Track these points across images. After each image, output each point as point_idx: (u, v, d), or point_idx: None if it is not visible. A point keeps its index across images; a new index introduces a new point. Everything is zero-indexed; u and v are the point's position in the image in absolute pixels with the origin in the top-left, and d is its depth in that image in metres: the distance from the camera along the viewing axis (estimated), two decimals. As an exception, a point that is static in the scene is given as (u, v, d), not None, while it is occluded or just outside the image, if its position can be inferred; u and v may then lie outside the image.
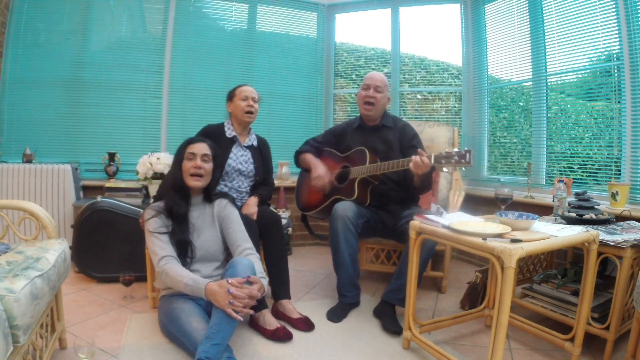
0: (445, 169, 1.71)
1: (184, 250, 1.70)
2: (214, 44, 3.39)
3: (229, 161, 2.14)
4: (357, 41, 3.73)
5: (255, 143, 2.28)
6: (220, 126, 2.24)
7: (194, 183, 1.74)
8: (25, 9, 2.95)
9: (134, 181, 2.84)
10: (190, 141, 1.79)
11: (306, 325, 1.86)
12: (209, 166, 1.77)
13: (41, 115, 3.02)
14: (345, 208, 2.02)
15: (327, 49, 3.67)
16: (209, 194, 1.84)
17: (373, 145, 2.18)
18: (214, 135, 2.15)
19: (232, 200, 1.91)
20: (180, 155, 1.77)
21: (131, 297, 2.18)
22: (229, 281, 1.46)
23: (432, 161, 1.72)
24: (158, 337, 1.71)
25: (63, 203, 2.79)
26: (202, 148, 1.76)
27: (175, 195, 1.74)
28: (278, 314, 1.93)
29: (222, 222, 1.81)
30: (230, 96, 2.24)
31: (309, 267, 2.92)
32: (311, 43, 3.65)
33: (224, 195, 1.91)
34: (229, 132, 2.21)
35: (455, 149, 1.64)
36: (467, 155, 1.59)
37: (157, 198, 1.85)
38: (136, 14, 3.26)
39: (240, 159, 2.19)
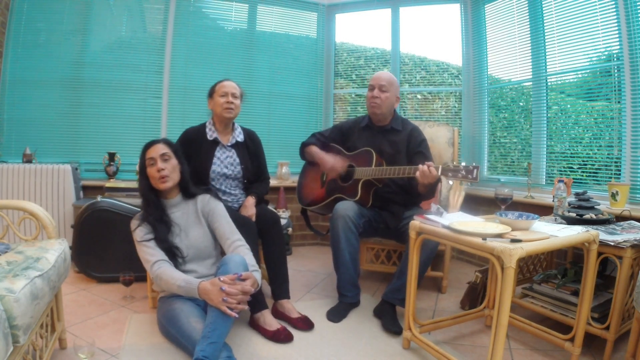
0: (450, 182, 1.71)
1: (172, 254, 1.70)
2: (214, 44, 3.39)
3: (214, 167, 2.08)
4: (357, 41, 3.73)
5: (240, 139, 2.19)
6: (201, 128, 2.16)
7: (163, 185, 1.71)
8: (25, 9, 2.95)
9: (134, 181, 2.83)
10: (145, 147, 1.75)
11: (306, 324, 1.86)
12: (171, 164, 1.73)
13: (41, 115, 3.02)
14: (347, 207, 2.01)
15: (327, 49, 3.67)
16: (187, 191, 1.81)
17: (380, 146, 2.16)
18: (194, 139, 2.10)
19: (215, 195, 1.87)
20: (142, 164, 1.73)
21: (131, 297, 2.18)
22: (221, 279, 1.46)
23: (439, 173, 1.71)
24: (158, 337, 1.71)
25: (63, 203, 2.79)
26: (158, 149, 1.72)
27: (146, 205, 1.74)
28: (277, 313, 1.93)
29: (208, 217, 1.79)
30: (211, 92, 2.15)
31: (309, 267, 2.92)
32: (311, 43, 3.65)
33: (206, 190, 1.88)
34: (210, 134, 2.12)
35: (463, 163, 1.64)
36: (475, 171, 1.58)
37: (141, 208, 1.83)
38: (136, 14, 3.26)
39: (225, 162, 2.12)
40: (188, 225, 1.78)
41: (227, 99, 2.09)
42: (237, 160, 2.15)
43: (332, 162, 2.17)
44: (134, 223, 1.73)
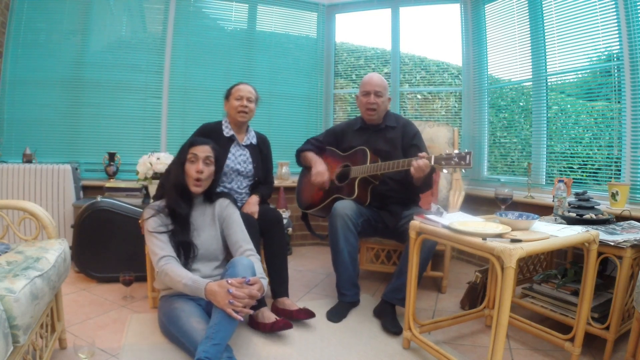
0: (445, 170, 1.71)
1: (186, 251, 1.70)
2: (214, 44, 3.39)
3: (227, 162, 2.13)
4: (357, 41, 3.73)
5: (254, 141, 2.26)
6: (218, 125, 2.22)
7: (195, 189, 1.75)
8: (25, 9, 2.95)
9: (134, 181, 2.84)
10: (193, 142, 1.77)
11: (306, 314, 1.87)
12: (210, 169, 1.76)
13: (41, 115, 3.02)
14: (345, 207, 2.02)
15: (327, 49, 3.67)
16: (210, 194, 1.83)
17: (376, 145, 2.17)
18: (211, 134, 2.13)
19: (234, 201, 1.91)
20: (182, 156, 1.75)
21: (131, 297, 2.18)
22: (229, 281, 1.46)
23: (432, 162, 1.72)
24: (158, 337, 1.71)
25: (63, 203, 2.79)
26: (204, 150, 1.75)
27: (177, 196, 1.74)
28: (278, 310, 1.93)
29: (223, 222, 1.81)
30: (227, 95, 2.22)
31: (309, 267, 2.92)
32: (311, 43, 3.65)
33: (226, 195, 1.91)
34: (227, 131, 2.19)
35: (456, 151, 1.64)
36: (467, 157, 1.59)
37: (157, 197, 1.84)
38: (136, 14, 3.26)
39: (238, 159, 2.17)
40: (202, 226, 1.79)
41: (242, 103, 2.14)
42: (250, 159, 2.20)
43: (320, 168, 2.19)
44: (147, 212, 1.73)
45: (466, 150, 1.60)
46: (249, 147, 2.23)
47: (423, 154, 1.77)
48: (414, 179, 1.89)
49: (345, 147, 2.28)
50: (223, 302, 1.42)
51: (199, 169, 1.72)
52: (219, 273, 1.75)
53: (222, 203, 1.83)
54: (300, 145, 2.44)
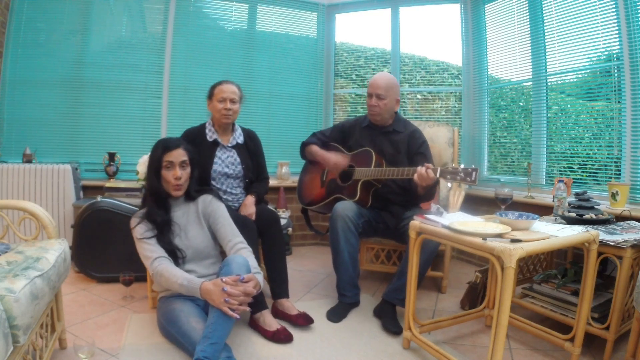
0: (449, 184, 1.70)
1: (173, 255, 1.69)
2: (214, 44, 3.39)
3: (215, 167, 2.08)
4: (357, 41, 3.73)
5: (240, 140, 2.19)
6: (201, 129, 2.16)
7: (176, 193, 1.74)
8: (25, 9, 2.95)
9: (134, 181, 2.83)
10: (165, 147, 1.72)
11: (305, 320, 1.86)
12: (187, 172, 1.75)
13: (41, 115, 3.02)
14: (346, 207, 2.01)
15: (327, 49, 3.67)
16: (190, 193, 1.81)
17: (381, 146, 2.17)
18: (194, 140, 2.09)
19: (217, 195, 1.87)
20: (157, 163, 1.71)
21: (131, 297, 2.18)
22: (223, 279, 1.46)
23: (438, 175, 1.71)
24: (158, 337, 1.71)
25: (63, 203, 2.79)
26: (179, 155, 1.71)
27: (154, 204, 1.73)
28: (277, 312, 1.93)
29: (209, 218, 1.79)
30: (210, 95, 2.13)
31: (309, 267, 2.92)
32: (311, 43, 3.65)
33: (208, 190, 1.87)
34: (210, 135, 2.12)
35: (462, 166, 1.63)
36: (473, 173, 1.58)
37: (142, 204, 1.83)
38: (136, 14, 3.26)
39: (226, 161, 2.12)
40: (188, 225, 1.78)
41: (225, 106, 2.07)
42: (238, 159, 2.15)
43: (335, 159, 2.18)
44: (134, 220, 1.73)
45: (472, 167, 1.59)
46: (236, 147, 2.17)
47: (429, 165, 1.75)
48: (418, 188, 1.88)
49: (351, 144, 2.26)
50: (218, 300, 1.43)
51: (176, 175, 1.70)
52: (215, 271, 1.75)
53: (205, 199, 1.81)
54: (302, 144, 2.41)
